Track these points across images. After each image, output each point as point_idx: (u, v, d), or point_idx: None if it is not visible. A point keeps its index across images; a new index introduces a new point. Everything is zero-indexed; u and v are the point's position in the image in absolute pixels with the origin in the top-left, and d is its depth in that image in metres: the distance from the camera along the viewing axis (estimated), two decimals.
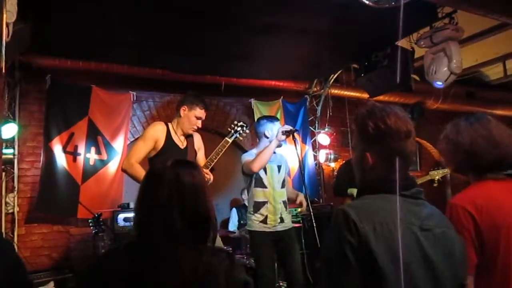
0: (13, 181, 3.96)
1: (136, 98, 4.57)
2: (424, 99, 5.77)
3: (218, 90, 4.71)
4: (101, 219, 3.35)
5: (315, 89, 5.45)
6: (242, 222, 4.52)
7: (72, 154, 4.14)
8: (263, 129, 3.14)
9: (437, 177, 3.64)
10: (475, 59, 5.33)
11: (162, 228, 1.07)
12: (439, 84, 3.62)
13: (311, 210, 2.76)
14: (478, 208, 1.26)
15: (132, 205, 3.98)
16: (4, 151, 3.91)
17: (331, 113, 5.35)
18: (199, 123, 2.88)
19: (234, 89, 4.87)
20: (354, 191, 3.25)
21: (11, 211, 3.89)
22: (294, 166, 4.94)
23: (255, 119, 4.94)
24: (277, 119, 3.28)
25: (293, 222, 3.25)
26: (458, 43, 3.48)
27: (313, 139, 5.62)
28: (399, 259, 0.95)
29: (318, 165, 5.65)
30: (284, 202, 3.09)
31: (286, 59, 4.31)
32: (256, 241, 3.03)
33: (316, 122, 5.67)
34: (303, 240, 3.41)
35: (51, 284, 3.35)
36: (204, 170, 2.63)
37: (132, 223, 3.44)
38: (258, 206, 3.04)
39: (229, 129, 2.88)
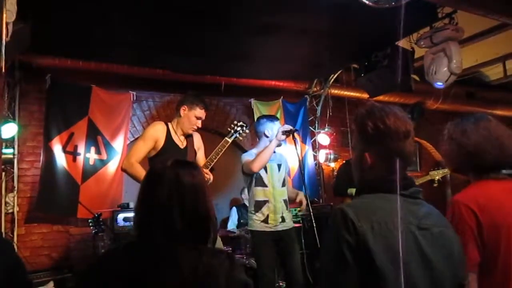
0: (13, 181, 3.96)
1: (136, 98, 4.57)
2: (424, 99, 5.77)
3: (218, 90, 4.71)
4: (101, 219, 3.35)
5: (315, 89, 5.45)
6: (242, 221, 4.53)
7: (72, 154, 4.13)
8: (263, 129, 3.15)
9: (437, 177, 3.64)
10: (475, 59, 5.33)
11: (162, 228, 1.07)
12: (439, 84, 3.62)
13: (311, 210, 2.76)
14: (481, 207, 1.26)
15: (132, 205, 3.98)
16: (4, 151, 3.91)
17: (331, 113, 5.35)
18: (199, 123, 2.88)
19: (234, 89, 4.87)
20: (354, 191, 3.24)
21: (11, 211, 3.89)
22: (294, 166, 4.94)
23: (255, 119, 4.96)
24: (277, 119, 3.28)
25: (293, 222, 3.25)
26: (458, 43, 3.48)
27: (313, 139, 5.62)
28: (398, 258, 0.95)
29: (318, 165, 5.65)
30: (285, 201, 3.10)
31: (286, 59, 4.31)
32: (257, 241, 3.03)
33: (316, 122, 5.67)
34: (303, 240, 3.41)
35: (51, 284, 3.35)
36: (204, 170, 2.63)
37: (132, 223, 3.44)
38: (259, 205, 3.04)
39: (229, 129, 2.89)
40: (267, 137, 3.12)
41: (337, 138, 5.74)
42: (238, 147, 4.97)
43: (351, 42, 3.92)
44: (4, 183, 3.88)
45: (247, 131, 2.93)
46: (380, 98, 4.95)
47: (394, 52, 3.96)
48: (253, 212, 3.06)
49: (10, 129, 3.75)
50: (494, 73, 6.06)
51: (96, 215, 3.35)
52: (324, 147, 5.55)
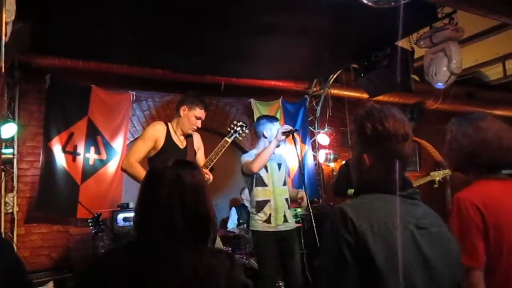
0: (12, 181, 3.96)
1: (136, 98, 4.57)
2: (424, 99, 5.77)
3: (218, 90, 4.70)
4: (100, 219, 3.35)
5: (315, 89, 5.45)
6: (241, 221, 4.53)
7: (71, 154, 4.13)
8: (262, 129, 3.15)
9: (437, 178, 3.64)
10: (475, 59, 5.33)
11: (163, 228, 1.07)
12: (440, 85, 3.62)
13: (311, 210, 2.76)
14: (486, 206, 1.27)
15: (131, 205, 3.98)
16: (4, 151, 3.91)
17: (330, 113, 5.35)
18: (198, 123, 2.88)
19: (234, 89, 4.87)
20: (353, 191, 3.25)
21: (10, 211, 3.89)
22: (293, 166, 4.94)
23: (255, 119, 4.96)
24: (276, 119, 3.29)
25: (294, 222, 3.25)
26: (458, 43, 3.48)
27: (313, 139, 5.62)
28: (397, 257, 0.95)
29: (317, 165, 5.65)
30: (286, 199, 3.10)
31: (286, 59, 4.31)
32: (260, 241, 3.03)
33: (316, 122, 5.67)
34: (302, 240, 3.41)
35: (51, 284, 3.35)
36: (204, 170, 2.63)
37: (131, 223, 3.44)
38: (260, 205, 3.04)
39: (229, 129, 2.88)
40: (265, 137, 3.12)
41: (336, 138, 5.74)
42: (238, 147, 4.97)
43: (351, 42, 3.92)
44: (4, 183, 3.87)
45: (246, 131, 2.92)
46: (380, 98, 4.96)
47: (394, 52, 3.96)
48: (254, 212, 3.06)
49: (9, 129, 3.75)
50: (494, 73, 6.06)
51: (96, 215, 3.35)
52: (324, 147, 5.55)
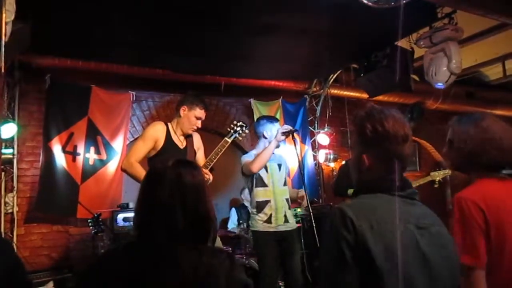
0: (12, 181, 3.96)
1: (136, 98, 4.57)
2: (424, 99, 5.77)
3: (218, 90, 4.70)
4: (100, 219, 3.35)
5: (315, 89, 5.45)
6: (241, 221, 4.53)
7: (71, 154, 4.13)
8: (262, 129, 3.15)
9: (438, 178, 3.64)
10: (475, 59, 5.33)
11: (163, 228, 1.07)
12: (440, 85, 3.62)
13: (311, 210, 2.76)
14: (488, 205, 1.26)
15: (131, 205, 3.99)
16: (4, 151, 3.91)
17: (330, 113, 5.35)
18: (198, 123, 2.87)
19: (234, 89, 4.87)
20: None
21: (10, 211, 3.89)
22: (293, 166, 4.94)
23: (255, 119, 4.96)
24: (276, 120, 3.29)
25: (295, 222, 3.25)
26: (457, 43, 3.48)
27: (313, 139, 5.62)
28: (396, 256, 0.96)
29: (317, 165, 5.65)
30: (286, 200, 3.10)
31: (286, 59, 4.31)
32: (260, 241, 3.03)
33: (316, 122, 5.67)
34: (302, 240, 3.41)
35: (51, 284, 3.35)
36: (204, 170, 2.63)
37: (131, 223, 3.45)
38: (261, 205, 3.04)
39: (229, 129, 2.88)
40: (265, 138, 3.12)
41: (336, 138, 5.74)
42: (238, 147, 4.97)
43: (351, 42, 3.92)
44: (4, 183, 3.87)
45: (246, 131, 2.92)
46: (380, 98, 4.97)
47: (393, 52, 3.96)
48: (255, 212, 3.06)
49: (9, 129, 3.75)
50: (493, 73, 6.06)
51: (96, 215, 3.35)
52: (324, 147, 5.55)
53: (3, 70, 2.15)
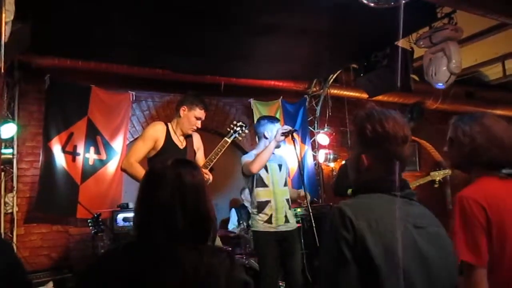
0: (12, 181, 3.96)
1: (136, 98, 4.57)
2: (424, 99, 5.77)
3: (218, 90, 4.70)
4: (100, 219, 3.35)
5: (315, 89, 5.45)
6: (241, 222, 4.53)
7: (71, 154, 4.13)
8: (263, 129, 3.15)
9: (438, 178, 3.64)
10: (475, 59, 5.34)
11: (163, 228, 1.07)
12: (440, 85, 3.63)
13: (310, 210, 2.76)
14: (489, 204, 1.26)
15: (131, 205, 3.98)
16: (3, 151, 3.90)
17: (330, 113, 5.35)
18: (198, 124, 2.87)
19: (233, 89, 4.87)
20: None
21: (10, 211, 3.89)
22: (293, 166, 4.94)
23: (255, 119, 4.96)
24: (277, 120, 3.29)
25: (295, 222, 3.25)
26: (457, 43, 3.48)
27: (312, 139, 5.62)
28: (395, 256, 0.96)
29: (317, 165, 5.65)
30: (287, 200, 3.10)
31: (286, 59, 4.31)
32: (260, 241, 3.03)
33: (316, 122, 5.67)
34: (302, 240, 3.41)
35: (50, 284, 3.35)
36: (204, 170, 2.62)
37: (131, 223, 3.45)
38: (261, 206, 3.04)
39: (228, 129, 2.88)
40: (266, 138, 3.12)
41: (336, 138, 5.74)
42: (238, 147, 4.97)
43: (350, 42, 3.92)
44: (4, 183, 3.87)
45: (246, 131, 2.92)
46: (380, 98, 4.96)
47: (393, 52, 3.96)
48: (255, 212, 3.06)
49: (9, 129, 3.75)
50: (493, 72, 6.06)
51: (96, 215, 3.35)
52: (324, 147, 5.55)
53: (2, 70, 2.15)
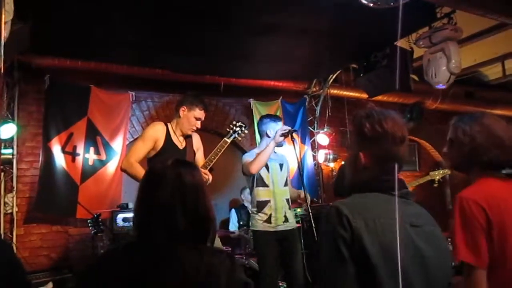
0: (12, 181, 3.95)
1: (135, 98, 4.57)
2: (423, 99, 5.77)
3: (218, 90, 4.70)
4: (100, 219, 3.35)
5: (314, 89, 5.45)
6: (241, 222, 4.53)
7: (71, 154, 4.13)
8: (265, 128, 3.15)
9: (437, 178, 3.65)
10: (474, 59, 5.34)
11: (163, 228, 1.06)
12: (440, 85, 3.63)
13: (310, 210, 2.76)
14: (490, 204, 1.26)
15: (131, 206, 3.98)
16: (3, 151, 3.90)
17: (330, 113, 5.35)
18: (198, 124, 2.87)
19: (233, 89, 4.87)
20: None
21: (9, 211, 3.88)
22: (293, 166, 4.94)
23: (254, 119, 4.96)
24: (280, 119, 3.30)
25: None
26: (457, 43, 3.49)
27: (312, 139, 5.62)
28: (392, 254, 0.97)
29: (317, 165, 5.65)
30: (287, 200, 3.10)
31: (286, 59, 4.31)
32: (260, 241, 3.03)
33: (315, 122, 5.67)
34: (302, 240, 3.41)
35: (50, 284, 3.35)
36: (203, 170, 2.62)
37: (131, 223, 3.44)
38: (261, 205, 3.04)
39: (228, 129, 2.88)
40: (269, 137, 3.11)
41: (336, 138, 5.74)
42: (237, 148, 4.97)
43: (350, 42, 3.93)
44: (3, 183, 3.87)
45: (246, 131, 2.92)
46: (379, 98, 4.97)
47: (393, 52, 3.96)
48: (255, 212, 3.06)
49: (9, 130, 3.74)
50: (493, 72, 6.06)
51: (95, 216, 3.35)
52: (323, 147, 5.55)
53: (2, 70, 2.14)
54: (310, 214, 2.71)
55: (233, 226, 4.60)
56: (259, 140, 4.54)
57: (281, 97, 5.28)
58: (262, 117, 3.31)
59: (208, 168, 2.71)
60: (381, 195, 1.09)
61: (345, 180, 1.22)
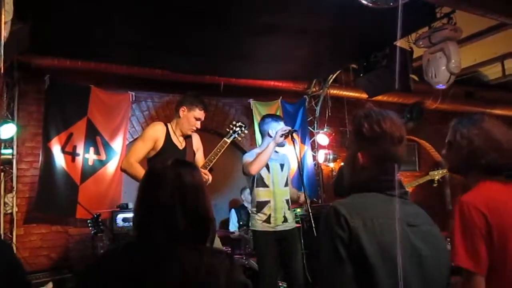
0: (12, 181, 3.95)
1: (135, 99, 4.57)
2: (423, 99, 5.78)
3: (217, 90, 4.70)
4: (100, 220, 3.35)
5: (314, 89, 5.45)
6: (241, 223, 4.53)
7: (71, 154, 4.13)
8: (267, 128, 3.14)
9: (436, 177, 3.66)
10: (474, 59, 5.34)
11: (163, 228, 1.07)
12: (440, 85, 3.63)
13: (310, 210, 2.76)
14: (490, 209, 1.25)
15: (131, 206, 3.98)
16: (3, 151, 3.90)
17: (330, 113, 5.35)
18: (198, 124, 2.87)
19: (233, 89, 4.87)
20: None
21: (9, 211, 3.88)
22: (293, 166, 4.94)
23: (254, 120, 4.97)
24: (281, 118, 3.30)
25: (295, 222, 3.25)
26: (456, 43, 3.49)
27: (312, 139, 5.62)
28: (390, 254, 0.97)
29: (317, 165, 5.65)
30: (287, 200, 3.10)
31: (286, 59, 4.31)
32: (259, 241, 3.03)
33: (315, 122, 5.67)
34: (302, 240, 3.41)
35: (50, 284, 3.35)
36: (203, 170, 2.62)
37: (131, 223, 3.44)
38: (260, 205, 3.04)
39: (228, 130, 2.88)
40: (270, 136, 3.11)
41: (336, 138, 5.74)
42: (237, 148, 4.97)
43: (350, 42, 3.93)
44: (3, 183, 3.87)
45: (245, 131, 2.92)
46: (379, 98, 4.97)
47: (392, 52, 3.97)
48: (255, 212, 3.06)
49: (9, 130, 3.74)
50: (492, 72, 6.07)
51: (95, 216, 3.35)
52: (323, 147, 5.55)
53: (2, 71, 2.14)
54: (310, 214, 2.72)
55: (233, 226, 4.60)
56: (259, 140, 4.55)
57: (281, 97, 5.28)
58: (264, 117, 3.30)
59: (208, 168, 2.71)
60: (379, 195, 1.09)
61: (344, 180, 1.22)
